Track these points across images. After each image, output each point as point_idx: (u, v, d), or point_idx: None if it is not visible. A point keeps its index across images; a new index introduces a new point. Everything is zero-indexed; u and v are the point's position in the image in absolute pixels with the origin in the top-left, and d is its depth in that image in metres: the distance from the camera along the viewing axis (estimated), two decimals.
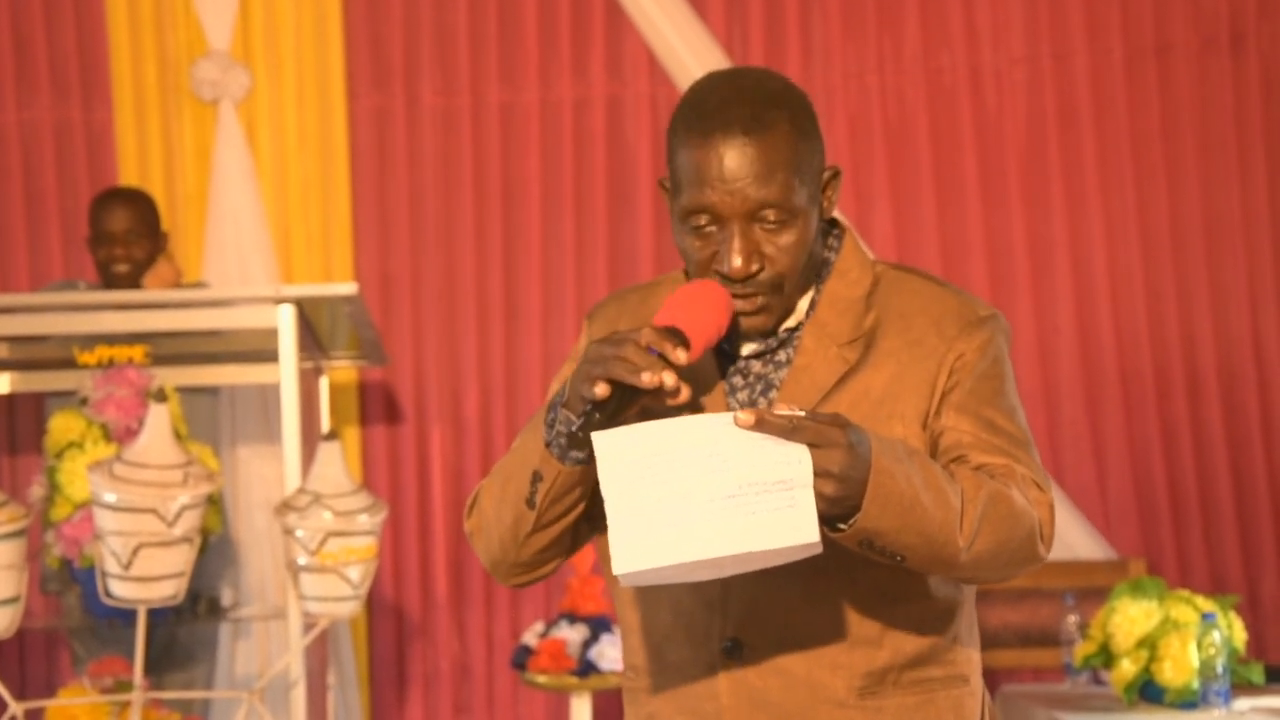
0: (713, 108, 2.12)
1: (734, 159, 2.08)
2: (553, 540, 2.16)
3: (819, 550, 1.92)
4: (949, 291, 2.21)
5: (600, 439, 1.91)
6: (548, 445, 2.08)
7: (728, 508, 1.88)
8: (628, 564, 1.90)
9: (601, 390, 1.96)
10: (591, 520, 2.18)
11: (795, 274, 2.14)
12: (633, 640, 2.23)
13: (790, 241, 2.11)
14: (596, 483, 2.09)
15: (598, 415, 1.97)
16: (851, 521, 1.94)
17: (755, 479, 1.88)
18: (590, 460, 2.01)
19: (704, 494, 1.88)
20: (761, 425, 1.88)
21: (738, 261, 2.10)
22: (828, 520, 1.94)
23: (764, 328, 2.16)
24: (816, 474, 1.89)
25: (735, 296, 2.12)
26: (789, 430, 1.89)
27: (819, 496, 1.90)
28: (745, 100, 2.11)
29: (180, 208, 5.67)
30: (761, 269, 2.11)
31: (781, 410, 1.90)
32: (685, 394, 1.99)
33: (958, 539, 2.00)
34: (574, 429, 2.01)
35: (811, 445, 1.89)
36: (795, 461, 1.89)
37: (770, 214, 2.10)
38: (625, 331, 2.02)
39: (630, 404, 1.98)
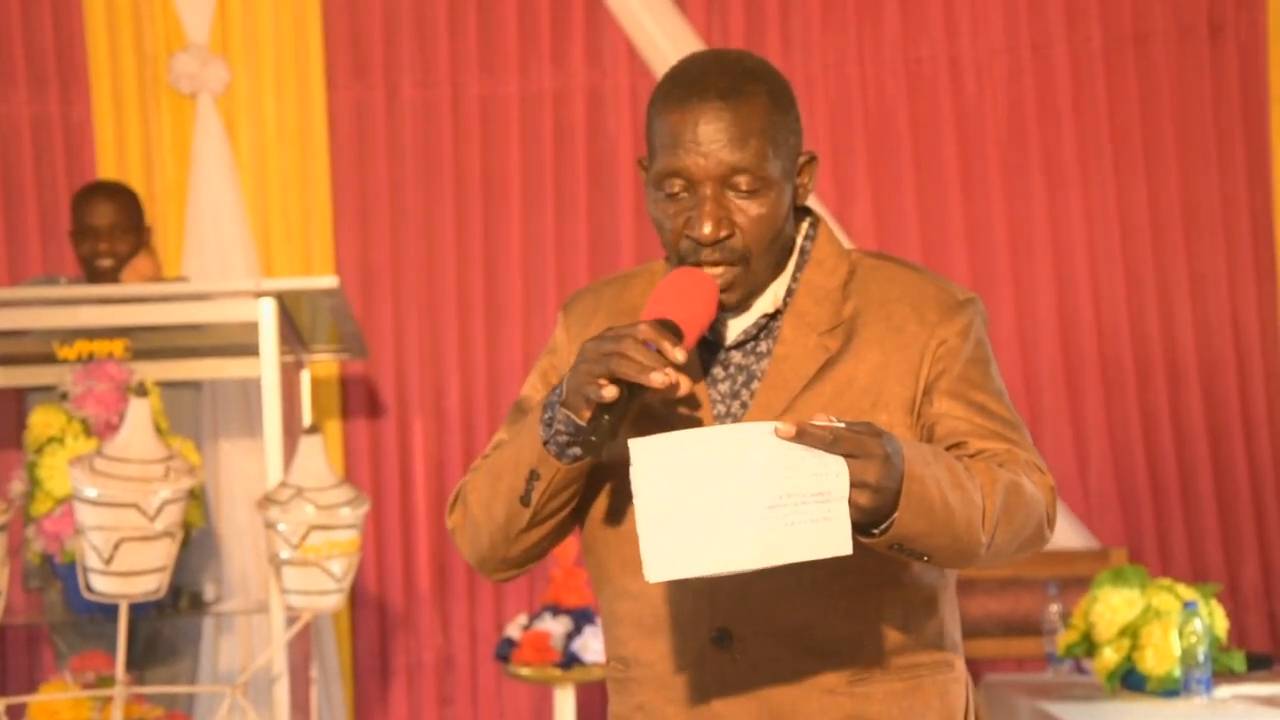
0: (692, 77, 2.14)
1: (709, 123, 2.10)
2: (544, 536, 2.17)
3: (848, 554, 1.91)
4: (926, 278, 2.22)
5: (637, 446, 1.89)
6: (545, 444, 2.07)
7: (767, 519, 1.86)
8: (661, 573, 1.89)
9: (610, 393, 1.96)
10: (577, 514, 2.18)
11: (763, 248, 2.14)
12: (619, 631, 2.22)
13: (761, 212, 2.12)
14: (595, 476, 2.10)
15: (606, 416, 1.97)
16: (884, 528, 1.95)
17: (793, 490, 1.87)
18: (587, 457, 2.04)
19: (743, 505, 1.86)
20: (802, 436, 1.88)
21: (708, 226, 2.10)
22: (858, 527, 1.93)
23: (729, 303, 2.15)
24: (853, 485, 1.88)
25: (703, 264, 2.11)
26: (829, 442, 1.88)
27: (854, 507, 1.89)
28: (724, 71, 2.14)
29: (159, 202, 5.65)
30: (731, 235, 2.11)
31: (820, 421, 1.89)
32: (686, 388, 1.99)
33: (980, 535, 2.01)
34: (586, 434, 2.00)
35: (849, 456, 1.89)
36: (833, 474, 1.88)
37: (742, 180, 2.11)
38: (622, 327, 2.00)
39: (636, 401, 1.97)
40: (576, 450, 2.06)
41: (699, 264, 2.12)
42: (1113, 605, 4.34)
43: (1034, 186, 5.74)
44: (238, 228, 5.62)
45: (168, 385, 4.77)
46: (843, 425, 1.90)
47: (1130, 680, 4.32)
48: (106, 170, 5.63)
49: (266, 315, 4.39)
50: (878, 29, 5.79)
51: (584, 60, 5.81)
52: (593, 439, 1.98)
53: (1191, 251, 5.69)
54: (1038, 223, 5.73)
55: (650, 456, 1.89)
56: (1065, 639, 4.48)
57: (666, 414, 2.10)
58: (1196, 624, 4.21)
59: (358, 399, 5.75)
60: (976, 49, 5.77)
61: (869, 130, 5.78)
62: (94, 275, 4.89)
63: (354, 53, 5.80)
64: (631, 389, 1.97)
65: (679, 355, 1.98)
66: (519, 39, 5.80)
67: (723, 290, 2.13)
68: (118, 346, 4.54)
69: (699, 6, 5.79)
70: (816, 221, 2.25)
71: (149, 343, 4.66)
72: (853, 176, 5.76)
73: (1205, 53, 5.71)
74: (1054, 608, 4.79)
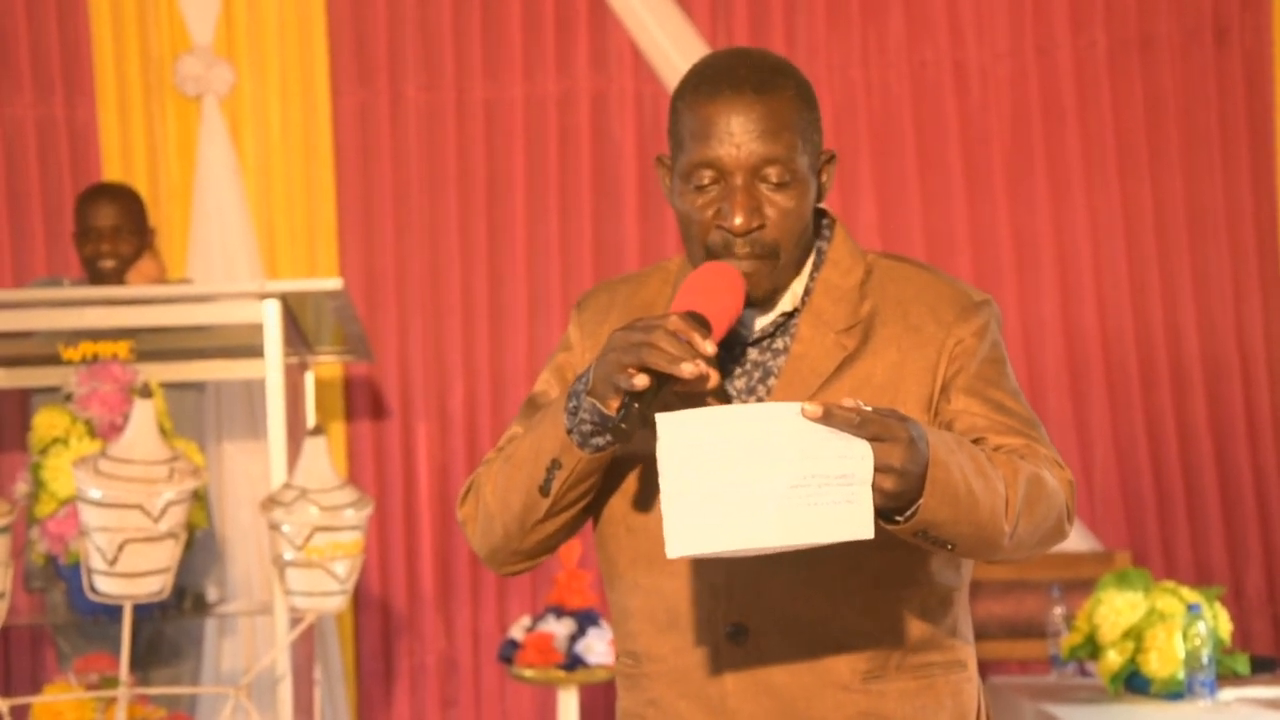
0: (721, 71, 2.15)
1: (742, 114, 2.11)
2: (559, 528, 2.17)
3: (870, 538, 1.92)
4: (942, 279, 2.24)
5: (665, 421, 1.90)
6: (569, 433, 2.08)
7: (790, 498, 1.87)
8: (682, 548, 1.89)
9: (642, 382, 1.96)
10: (590, 508, 2.18)
11: (791, 242, 2.15)
12: (631, 626, 2.21)
13: (791, 205, 2.13)
14: (609, 470, 2.10)
15: (636, 405, 1.97)
16: (910, 514, 1.95)
17: (818, 471, 1.87)
18: (611, 446, 2.05)
19: (767, 483, 1.87)
20: (829, 418, 1.88)
21: (740, 216, 2.11)
22: (883, 513, 1.94)
23: (756, 297, 2.15)
24: (877, 469, 1.89)
25: (733, 257, 2.12)
26: (855, 424, 1.89)
27: (878, 491, 1.90)
28: (754, 66, 2.15)
29: (164, 204, 5.66)
30: (762, 227, 2.12)
31: (847, 403, 1.90)
32: (715, 380, 1.99)
33: (1004, 525, 2.02)
34: (614, 422, 1.99)
35: (875, 439, 1.89)
36: (858, 457, 1.88)
37: (773, 173, 2.12)
38: (652, 318, 2.01)
39: (665, 391, 1.97)
40: (599, 440, 2.06)
41: (729, 257, 2.13)
42: (1116, 608, 4.33)
43: (1038, 190, 5.74)
44: (242, 230, 5.62)
45: (172, 387, 4.78)
46: (869, 409, 1.90)
47: (1134, 683, 4.32)
48: (111, 172, 5.64)
49: (271, 317, 4.39)
50: (882, 32, 5.80)
51: (588, 64, 5.81)
52: (623, 426, 1.98)
53: (1196, 255, 5.70)
54: (1042, 226, 5.73)
55: (676, 432, 1.89)
56: (1069, 641, 4.48)
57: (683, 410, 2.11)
58: (1200, 627, 4.21)
59: (362, 401, 5.76)
60: (981, 52, 5.78)
61: (873, 133, 5.78)
62: (96, 277, 4.89)
63: (359, 56, 5.81)
64: (660, 379, 1.97)
65: (709, 348, 1.98)
66: (523, 43, 5.80)
67: (751, 284, 2.13)
68: (122, 348, 4.54)
69: (704, 10, 5.79)
70: (832, 222, 2.26)
71: (153, 344, 4.66)
72: (857, 180, 5.76)
73: (1210, 57, 5.72)
74: (1058, 610, 4.78)
